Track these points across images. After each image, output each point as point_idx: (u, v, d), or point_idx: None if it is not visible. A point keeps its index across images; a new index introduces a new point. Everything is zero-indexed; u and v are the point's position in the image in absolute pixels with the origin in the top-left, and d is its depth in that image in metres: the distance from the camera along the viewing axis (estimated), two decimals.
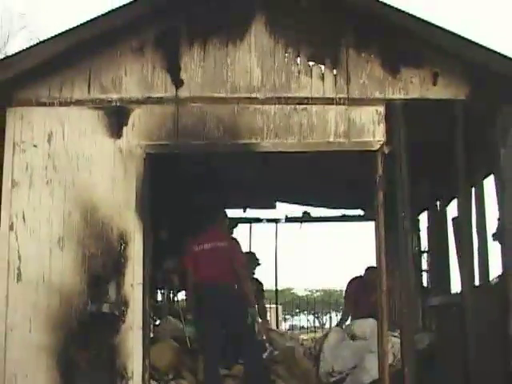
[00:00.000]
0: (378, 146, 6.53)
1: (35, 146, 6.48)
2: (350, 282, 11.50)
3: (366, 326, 8.64)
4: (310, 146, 6.59)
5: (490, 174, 7.53)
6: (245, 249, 9.67)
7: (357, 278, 11.32)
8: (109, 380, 6.18)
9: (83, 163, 6.48)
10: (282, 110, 6.51)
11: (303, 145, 6.56)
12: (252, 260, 10.63)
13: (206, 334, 8.30)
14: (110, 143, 6.48)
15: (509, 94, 6.54)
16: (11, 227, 6.36)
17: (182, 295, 13.97)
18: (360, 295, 11.10)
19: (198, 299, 8.36)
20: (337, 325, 11.67)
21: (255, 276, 10.92)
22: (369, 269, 11.18)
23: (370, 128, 6.53)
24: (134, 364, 6.20)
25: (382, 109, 6.56)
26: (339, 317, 12.98)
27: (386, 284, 6.56)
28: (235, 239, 8.94)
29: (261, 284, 11.06)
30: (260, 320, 10.81)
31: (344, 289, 12.00)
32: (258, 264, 11.04)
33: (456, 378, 6.74)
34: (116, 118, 6.47)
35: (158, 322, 12.37)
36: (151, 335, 8.52)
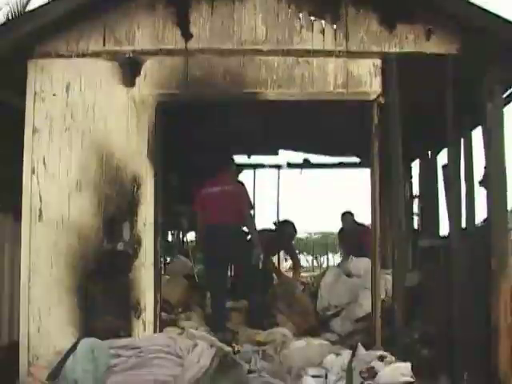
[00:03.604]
0: (375, 97, 6.46)
1: (54, 95, 6.41)
2: (338, 233, 11.72)
3: (361, 264, 8.68)
4: (311, 95, 6.52)
5: (477, 125, 7.48)
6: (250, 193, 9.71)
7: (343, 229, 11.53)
8: (124, 313, 6.22)
9: (99, 112, 6.42)
10: (285, 62, 6.43)
11: (304, 94, 6.50)
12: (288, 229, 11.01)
13: (214, 272, 8.35)
14: (123, 93, 6.42)
15: (497, 52, 6.44)
16: (33, 171, 6.33)
17: (191, 236, 14.09)
18: (348, 242, 11.28)
19: (207, 239, 8.39)
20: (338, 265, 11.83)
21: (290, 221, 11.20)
22: (344, 215, 11.35)
23: (367, 80, 6.45)
24: (147, 298, 6.23)
25: (378, 62, 6.47)
26: (336, 257, 13.13)
27: (380, 226, 6.56)
28: (242, 183, 8.94)
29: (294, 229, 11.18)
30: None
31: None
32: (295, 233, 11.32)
33: (441, 313, 6.78)
34: (129, 68, 6.39)
35: (168, 261, 12.49)
36: (162, 272, 8.58)
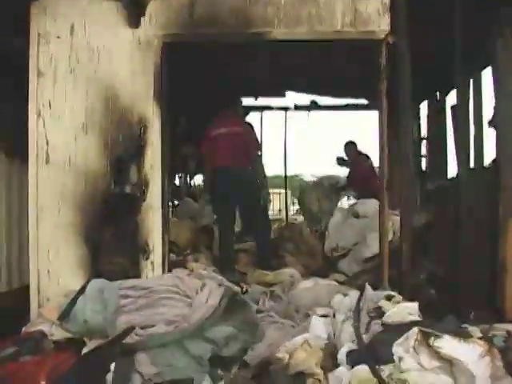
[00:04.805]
0: (383, 36, 6.33)
1: (58, 37, 6.33)
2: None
3: (369, 205, 8.69)
4: (319, 35, 6.40)
5: (487, 65, 7.41)
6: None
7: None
8: (132, 254, 6.26)
9: (104, 54, 6.34)
10: (292, 1, 6.30)
11: (312, 34, 6.37)
12: None
13: (222, 214, 8.39)
14: (128, 34, 6.32)
15: None
16: (38, 114, 6.30)
17: (198, 179, 14.13)
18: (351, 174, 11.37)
19: (214, 181, 8.40)
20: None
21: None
22: (347, 145, 11.38)
23: (376, 18, 6.31)
24: (155, 239, 6.26)
25: (387, 0, 6.35)
26: (343, 200, 13.17)
27: (387, 167, 6.53)
28: (249, 124, 8.90)
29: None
30: None
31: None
32: None
33: (449, 253, 6.81)
34: (134, 9, 6.28)
35: (176, 204, 12.55)
36: (170, 215, 8.62)
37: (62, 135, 6.29)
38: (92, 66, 6.33)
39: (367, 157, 11.14)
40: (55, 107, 6.30)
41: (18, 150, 6.72)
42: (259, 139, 9.76)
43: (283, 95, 12.42)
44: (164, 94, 6.39)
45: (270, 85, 11.25)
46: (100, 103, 6.31)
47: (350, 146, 11.64)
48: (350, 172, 11.92)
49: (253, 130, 8.63)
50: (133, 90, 6.32)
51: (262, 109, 13.39)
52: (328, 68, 9.45)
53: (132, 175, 6.26)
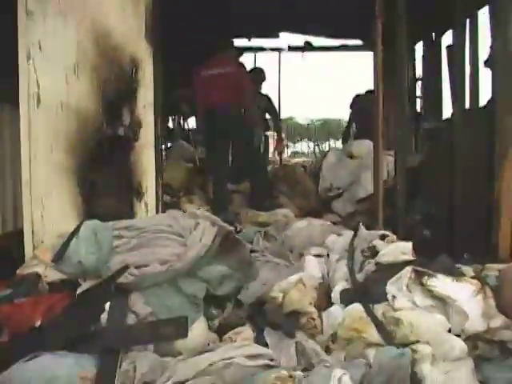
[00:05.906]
0: None
1: None
2: (354, 98, 11.66)
3: (363, 145, 8.68)
4: None
5: (484, 5, 7.31)
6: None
7: (359, 96, 11.50)
8: (125, 196, 6.22)
9: None
10: None
11: None
12: (257, 76, 10.35)
13: (215, 155, 8.37)
14: None
15: None
16: (28, 56, 6.16)
17: (192, 122, 14.08)
18: (359, 118, 11.31)
19: (208, 122, 8.37)
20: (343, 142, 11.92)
21: (263, 92, 10.73)
22: (366, 94, 11.37)
23: None
24: (148, 181, 6.21)
25: None
26: (338, 143, 13.14)
27: (383, 109, 6.49)
28: (242, 64, 8.84)
29: (270, 99, 10.77)
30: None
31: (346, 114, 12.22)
32: (263, 79, 10.72)
33: (443, 194, 6.82)
34: None
35: (170, 145, 12.52)
36: (164, 157, 8.58)
37: (53, 77, 6.14)
38: (82, 6, 6.15)
39: None
40: (45, 48, 6.15)
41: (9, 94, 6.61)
42: (251, 72, 9.68)
43: (277, 36, 12.28)
44: (156, 33, 6.26)
45: (264, 25, 11.10)
46: (91, 44, 6.17)
47: (370, 95, 11.66)
48: (355, 114, 11.84)
49: (245, 70, 8.60)
50: (124, 29, 6.16)
51: (255, 50, 13.26)
52: (322, 8, 9.31)
53: (125, 116, 6.18)
